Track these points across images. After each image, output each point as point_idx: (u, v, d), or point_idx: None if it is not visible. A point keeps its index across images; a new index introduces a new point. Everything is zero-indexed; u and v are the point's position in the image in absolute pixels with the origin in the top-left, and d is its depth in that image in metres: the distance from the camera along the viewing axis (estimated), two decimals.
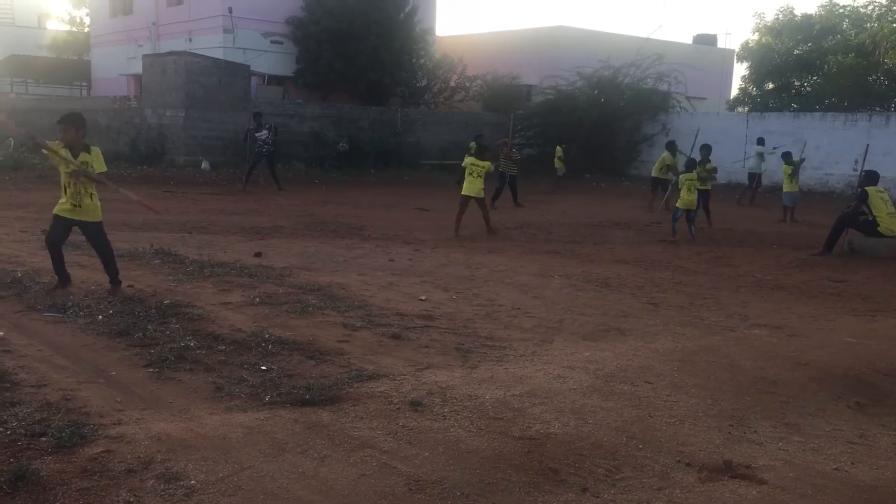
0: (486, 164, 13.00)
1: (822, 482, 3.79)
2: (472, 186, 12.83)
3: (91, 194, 7.21)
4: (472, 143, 19.91)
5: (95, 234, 7.34)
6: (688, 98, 28.40)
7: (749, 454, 4.11)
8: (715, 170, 15.03)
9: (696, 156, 14.61)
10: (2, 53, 37.01)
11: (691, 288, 8.83)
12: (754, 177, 20.36)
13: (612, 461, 3.93)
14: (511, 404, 4.62)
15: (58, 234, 7.26)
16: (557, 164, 22.74)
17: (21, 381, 4.72)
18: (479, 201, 12.92)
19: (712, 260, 10.98)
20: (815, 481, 3.80)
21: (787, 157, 17.15)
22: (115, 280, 7.37)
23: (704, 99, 32.31)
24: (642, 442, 4.17)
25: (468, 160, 13.14)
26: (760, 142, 21.04)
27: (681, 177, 13.54)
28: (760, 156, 20.35)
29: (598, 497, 3.58)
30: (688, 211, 13.10)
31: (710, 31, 54.76)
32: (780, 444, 4.28)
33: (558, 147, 22.93)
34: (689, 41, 38.70)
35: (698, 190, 13.56)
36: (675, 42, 35.32)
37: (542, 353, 5.85)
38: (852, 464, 4.07)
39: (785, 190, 16.88)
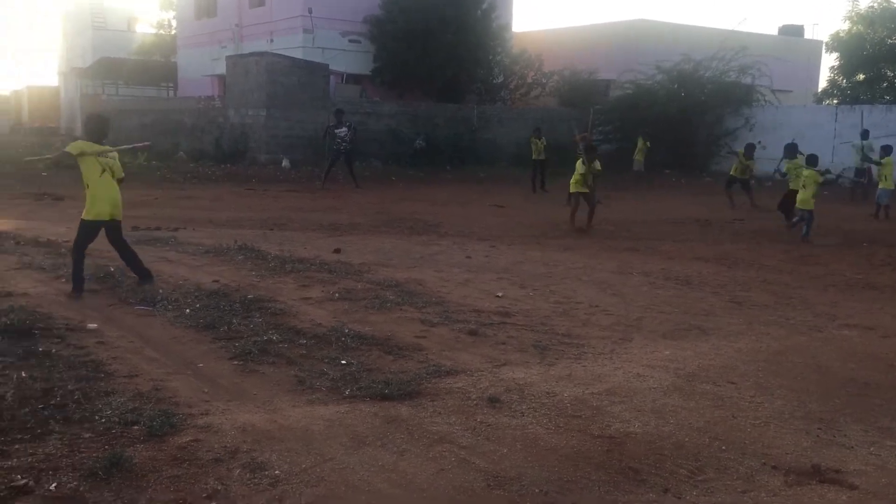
0: (595, 167, 12.97)
1: None
2: (578, 183, 12.93)
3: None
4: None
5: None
6: (773, 91, 27.50)
7: (839, 458, 3.97)
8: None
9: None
10: (93, 57, 38.61)
11: (776, 286, 8.57)
12: (863, 172, 19.58)
13: (694, 462, 3.85)
14: (590, 402, 4.58)
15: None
16: (638, 157, 22.35)
17: (114, 372, 4.93)
18: (587, 196, 12.99)
19: (798, 258, 10.63)
20: None
21: (886, 150, 16.44)
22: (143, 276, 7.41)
23: (790, 92, 31.25)
24: (726, 443, 4.08)
25: (579, 167, 12.99)
26: (864, 135, 20.11)
27: (806, 173, 12.87)
28: (861, 150, 19.49)
29: (680, 498, 3.51)
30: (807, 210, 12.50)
31: (797, 22, 52.92)
32: (871, 449, 4.12)
33: (640, 140, 22.49)
34: (775, 32, 37.49)
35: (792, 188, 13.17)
36: (759, 34, 34.26)
37: (620, 351, 5.78)
38: None
39: (880, 186, 16.20)
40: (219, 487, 3.43)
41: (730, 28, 30.26)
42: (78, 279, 7.02)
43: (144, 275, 7.38)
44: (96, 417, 4.13)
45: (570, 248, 10.97)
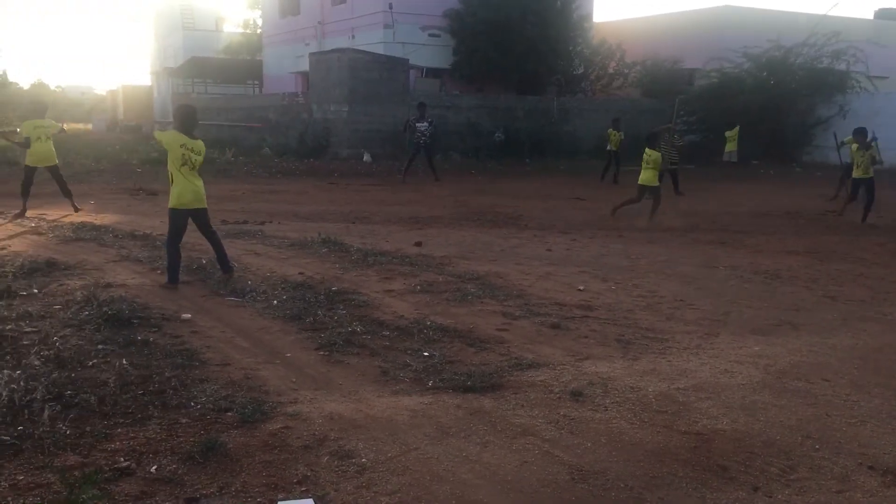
0: (655, 154, 12.61)
1: None
2: (645, 176, 12.59)
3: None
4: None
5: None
6: (869, 77, 26.35)
7: None
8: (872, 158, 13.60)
9: None
10: (184, 56, 39.93)
11: (872, 281, 8.24)
12: None
13: (786, 461, 3.76)
14: (675, 398, 4.51)
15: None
16: (730, 146, 21.76)
17: (208, 360, 5.11)
18: (653, 190, 12.71)
19: (895, 251, 10.19)
20: None
21: None
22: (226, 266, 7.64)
23: (887, 78, 29.89)
24: (819, 442, 3.96)
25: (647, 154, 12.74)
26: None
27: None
28: None
29: (770, 497, 3.43)
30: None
31: (894, 6, 50.49)
32: None
33: (729, 131, 21.88)
34: (870, 17, 35.92)
35: (863, 178, 12.66)
36: (854, 18, 32.90)
37: (707, 346, 5.66)
38: None
39: None
40: (308, 473, 3.52)
41: (821, 13, 29.06)
42: (173, 271, 7.30)
43: (227, 268, 7.63)
44: (192, 404, 4.30)
45: (654, 241, 10.78)
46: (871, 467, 3.72)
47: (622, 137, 19.55)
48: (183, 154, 7.16)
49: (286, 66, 33.83)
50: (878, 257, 9.75)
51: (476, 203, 15.00)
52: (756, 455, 3.80)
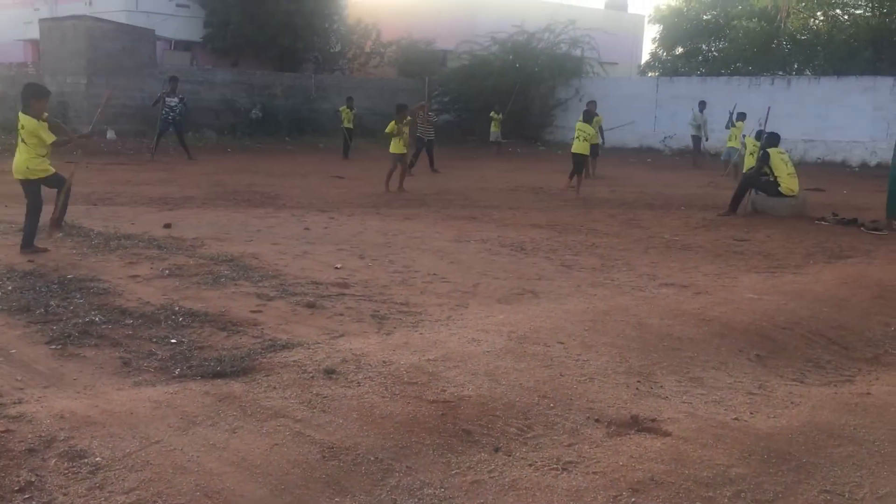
0: (391, 126, 14.01)
1: (722, 432, 3.96)
2: (394, 146, 14.06)
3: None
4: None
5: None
6: (601, 63, 28.76)
7: (655, 408, 4.25)
8: None
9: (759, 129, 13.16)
10: None
11: (603, 250, 9.03)
12: (698, 140, 21.27)
13: (524, 420, 4.01)
14: (425, 369, 4.65)
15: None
16: (494, 129, 23.22)
17: None
18: (401, 158, 13.96)
19: (624, 222, 11.24)
20: (717, 431, 3.96)
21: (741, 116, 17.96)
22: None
23: (616, 64, 32.79)
24: (553, 401, 4.27)
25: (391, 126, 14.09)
26: (702, 107, 21.17)
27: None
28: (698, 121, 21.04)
29: (510, 455, 3.65)
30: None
31: None
32: (684, 398, 4.45)
33: (494, 112, 23.30)
34: (602, 6, 39.14)
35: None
36: (587, 7, 35.78)
37: (457, 317, 5.90)
38: (751, 414, 4.26)
39: (728, 146, 18.32)
40: (32, 479, 3.21)
41: (559, 1, 31.21)
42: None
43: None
44: None
45: (410, 218, 11.05)
46: (597, 420, 4.07)
47: (354, 113, 21.00)
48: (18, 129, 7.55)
49: (12, 33, 30.42)
50: (609, 227, 10.71)
51: (232, 182, 14.51)
52: (498, 418, 4.02)
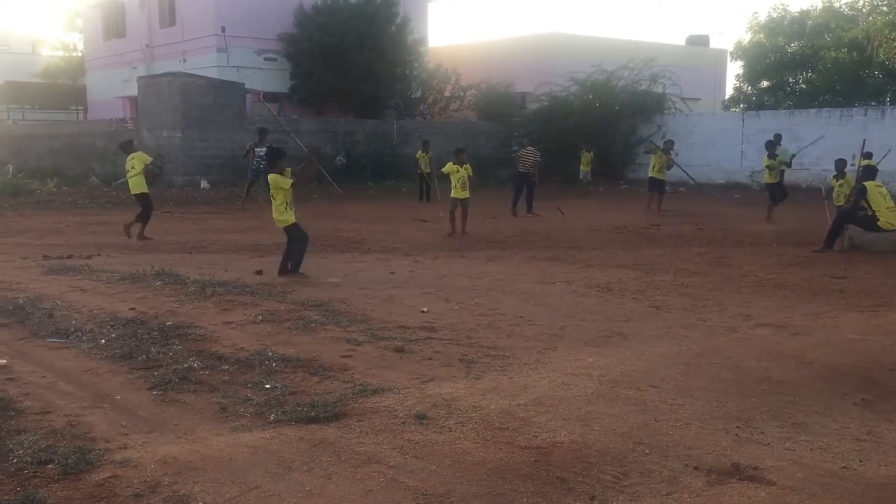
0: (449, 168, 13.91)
1: (830, 481, 3.78)
2: (455, 190, 13.89)
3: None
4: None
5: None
6: (683, 99, 28.41)
7: (757, 455, 4.10)
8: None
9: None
10: None
11: (693, 290, 8.82)
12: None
13: (619, 468, 3.92)
14: (516, 414, 4.62)
15: None
16: (584, 167, 23.71)
17: (26, 409, 4.72)
18: (463, 201, 13.82)
19: (713, 261, 10.97)
20: (824, 480, 3.79)
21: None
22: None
23: (699, 100, 32.34)
24: (649, 447, 4.16)
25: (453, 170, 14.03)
26: (778, 139, 19.88)
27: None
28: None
29: None
30: None
31: (703, 32, 54.79)
32: (787, 445, 4.27)
33: (584, 152, 23.72)
34: (682, 42, 38.79)
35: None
36: (667, 44, 35.41)
37: (545, 360, 5.85)
38: (860, 461, 4.06)
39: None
40: None
41: (638, 39, 31.08)
42: None
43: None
44: (8, 458, 3.95)
45: (494, 260, 11.06)
46: (696, 468, 3.95)
47: (431, 157, 20.59)
48: None
49: (113, 90, 32.19)
50: (698, 267, 10.46)
51: (318, 228, 14.81)
52: (592, 464, 3.95)
